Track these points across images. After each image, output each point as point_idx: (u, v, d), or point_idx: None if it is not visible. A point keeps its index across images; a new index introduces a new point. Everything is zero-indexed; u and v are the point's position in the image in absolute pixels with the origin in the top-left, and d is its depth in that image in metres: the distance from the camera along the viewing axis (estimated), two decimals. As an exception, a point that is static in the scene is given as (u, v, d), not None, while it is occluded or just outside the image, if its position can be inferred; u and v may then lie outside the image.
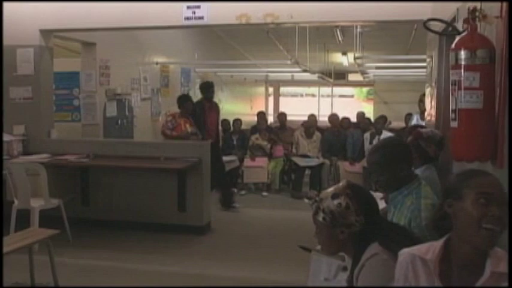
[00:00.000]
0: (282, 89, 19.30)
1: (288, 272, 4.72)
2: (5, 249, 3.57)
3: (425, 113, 5.45)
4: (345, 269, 2.54)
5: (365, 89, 23.02)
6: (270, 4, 5.55)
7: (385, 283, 1.92)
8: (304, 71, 10.62)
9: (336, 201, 2.08)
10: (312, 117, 9.11)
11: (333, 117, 9.34)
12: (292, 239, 5.00)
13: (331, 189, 2.17)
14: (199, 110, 7.66)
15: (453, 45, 2.40)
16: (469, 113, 2.33)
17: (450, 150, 2.50)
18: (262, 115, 9.18)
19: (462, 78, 2.32)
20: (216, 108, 8.10)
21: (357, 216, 2.05)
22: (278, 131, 9.10)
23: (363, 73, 12.20)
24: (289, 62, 9.01)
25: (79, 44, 7.42)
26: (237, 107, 14.20)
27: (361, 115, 10.81)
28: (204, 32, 11.25)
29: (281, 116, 9.48)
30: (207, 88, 7.98)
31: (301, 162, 8.20)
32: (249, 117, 13.75)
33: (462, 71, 2.33)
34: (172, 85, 10.02)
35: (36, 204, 5.25)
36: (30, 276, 4.16)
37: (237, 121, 8.86)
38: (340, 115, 9.33)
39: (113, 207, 6.10)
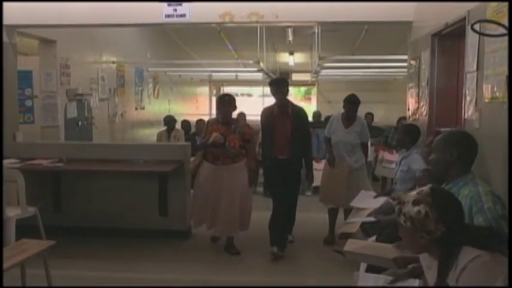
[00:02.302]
0: (225, 89, 19.20)
1: (272, 274, 4.77)
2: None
3: (409, 112, 5.57)
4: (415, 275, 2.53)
5: (303, 89, 23.32)
6: (254, 3, 5.48)
7: (490, 284, 1.93)
8: (259, 70, 10.59)
9: (416, 208, 2.08)
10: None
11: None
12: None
13: (414, 193, 2.15)
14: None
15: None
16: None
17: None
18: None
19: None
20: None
21: (436, 225, 2.05)
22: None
23: (315, 72, 12.36)
24: (251, 61, 8.93)
25: (33, 42, 6.99)
26: (184, 107, 13.97)
27: (317, 114, 10.98)
28: (157, 31, 10.98)
29: (241, 116, 9.38)
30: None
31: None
32: (195, 117, 13.55)
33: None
34: (127, 85, 9.68)
35: (12, 213, 4.86)
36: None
37: (200, 121, 8.68)
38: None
39: (88, 213, 5.78)
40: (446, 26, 4.24)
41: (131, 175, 5.65)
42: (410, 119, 5.49)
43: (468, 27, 3.70)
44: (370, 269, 3.34)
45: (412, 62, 5.43)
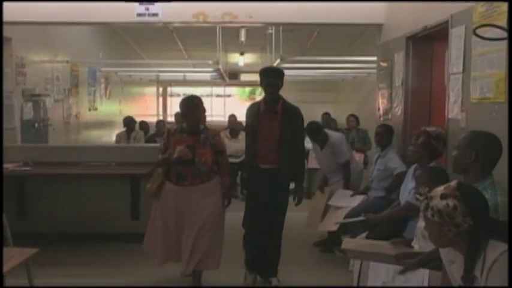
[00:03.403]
0: (174, 89, 18.97)
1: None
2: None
3: (380, 112, 5.72)
4: (433, 266, 2.61)
5: (247, 89, 23.42)
6: (228, 3, 5.46)
7: None
8: (215, 71, 10.56)
9: (444, 202, 2.14)
10: (232, 117, 9.10)
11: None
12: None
13: (441, 188, 2.22)
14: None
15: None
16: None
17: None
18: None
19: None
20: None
21: (464, 218, 2.11)
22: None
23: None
24: (210, 61, 8.88)
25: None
26: (134, 108, 13.69)
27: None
28: (109, 30, 10.70)
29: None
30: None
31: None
32: (144, 118, 13.32)
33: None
34: (81, 85, 9.37)
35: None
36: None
37: (160, 123, 8.55)
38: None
39: (56, 219, 5.56)
40: (425, 29, 4.40)
41: (102, 178, 5.48)
42: (381, 119, 5.64)
43: (452, 31, 3.87)
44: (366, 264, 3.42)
45: (383, 64, 5.58)
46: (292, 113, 4.35)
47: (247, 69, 16.49)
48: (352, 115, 8.98)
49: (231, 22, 5.56)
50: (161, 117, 15.64)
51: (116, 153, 5.71)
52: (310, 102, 13.97)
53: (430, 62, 4.83)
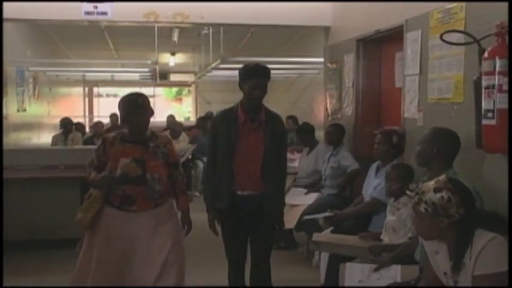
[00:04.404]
0: (101, 90, 18.46)
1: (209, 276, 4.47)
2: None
3: (328, 112, 5.91)
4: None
5: (174, 89, 23.21)
6: (180, 3, 5.43)
7: (505, 262, 2.21)
8: (150, 71, 10.42)
9: (438, 195, 2.28)
10: (171, 117, 9.05)
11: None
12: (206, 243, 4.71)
13: (432, 183, 2.37)
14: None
15: (486, 55, 2.79)
16: (504, 112, 2.73)
17: (484, 144, 2.88)
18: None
19: (500, 83, 2.71)
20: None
21: (458, 209, 2.28)
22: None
23: (198, 73, 12.43)
24: (149, 61, 8.75)
25: None
26: (62, 109, 13.18)
27: (209, 115, 11.06)
28: (36, 27, 10.23)
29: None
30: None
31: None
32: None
33: (498, 76, 2.72)
34: (10, 85, 8.89)
35: None
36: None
37: (98, 124, 8.32)
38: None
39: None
40: (378, 32, 4.61)
41: (50, 182, 5.27)
42: (330, 119, 5.83)
43: (407, 35, 4.10)
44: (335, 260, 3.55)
45: (331, 65, 5.78)
46: (277, 123, 3.48)
47: (178, 70, 16.36)
48: (291, 116, 9.18)
49: (182, 23, 5.53)
50: (88, 119, 15.19)
51: (64, 156, 5.50)
52: (226, 102, 14.07)
53: (379, 63, 5.08)
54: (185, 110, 21.25)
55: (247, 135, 3.38)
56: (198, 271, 4.38)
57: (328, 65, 5.88)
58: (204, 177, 4.11)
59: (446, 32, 3.14)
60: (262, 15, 5.67)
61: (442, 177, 2.39)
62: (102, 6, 5.26)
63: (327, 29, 5.85)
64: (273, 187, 3.40)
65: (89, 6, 5.24)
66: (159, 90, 22.83)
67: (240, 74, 3.38)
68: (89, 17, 5.28)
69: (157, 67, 9.66)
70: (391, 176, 3.44)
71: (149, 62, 8.72)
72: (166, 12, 5.42)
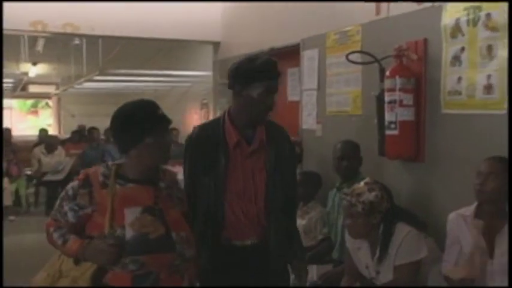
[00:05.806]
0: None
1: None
2: None
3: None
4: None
5: (29, 102, 21.85)
6: (69, 13, 5.26)
7: (419, 251, 2.57)
8: (15, 82, 9.78)
9: (373, 193, 2.61)
10: (43, 131, 8.62)
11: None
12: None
13: (361, 185, 2.67)
14: None
15: (388, 74, 3.19)
16: (405, 123, 3.15)
17: (387, 152, 3.27)
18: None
19: (400, 98, 3.12)
20: None
21: (387, 204, 2.64)
22: (6, 148, 8.20)
23: (63, 86, 11.91)
24: (18, 72, 8.23)
25: None
26: None
27: (81, 128, 10.65)
28: None
29: (6, 132, 8.55)
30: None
31: (53, 177, 7.73)
32: None
33: (399, 92, 3.13)
34: None
35: None
36: None
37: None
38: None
39: None
40: (272, 49, 4.91)
41: None
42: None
43: (303, 53, 4.45)
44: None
45: (222, 80, 5.97)
46: (283, 141, 2.55)
47: (38, 81, 15.47)
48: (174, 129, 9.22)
49: (72, 34, 5.36)
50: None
51: None
52: (109, 115, 13.71)
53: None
54: (42, 123, 20.09)
55: (241, 162, 2.42)
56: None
57: (220, 79, 6.07)
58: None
59: (351, 52, 3.50)
60: (153, 28, 5.70)
61: (367, 179, 2.72)
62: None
63: (216, 44, 6.05)
64: (281, 232, 2.45)
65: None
66: (11, 102, 21.37)
67: (239, 76, 2.37)
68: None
69: (25, 77, 9.11)
70: (299, 182, 3.72)
71: (18, 72, 8.18)
72: (55, 22, 5.21)
